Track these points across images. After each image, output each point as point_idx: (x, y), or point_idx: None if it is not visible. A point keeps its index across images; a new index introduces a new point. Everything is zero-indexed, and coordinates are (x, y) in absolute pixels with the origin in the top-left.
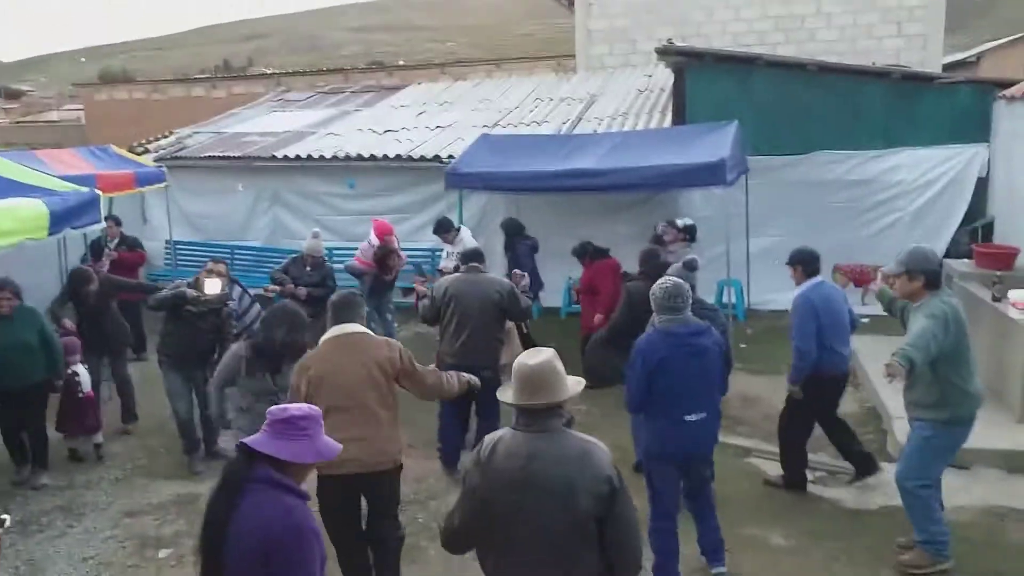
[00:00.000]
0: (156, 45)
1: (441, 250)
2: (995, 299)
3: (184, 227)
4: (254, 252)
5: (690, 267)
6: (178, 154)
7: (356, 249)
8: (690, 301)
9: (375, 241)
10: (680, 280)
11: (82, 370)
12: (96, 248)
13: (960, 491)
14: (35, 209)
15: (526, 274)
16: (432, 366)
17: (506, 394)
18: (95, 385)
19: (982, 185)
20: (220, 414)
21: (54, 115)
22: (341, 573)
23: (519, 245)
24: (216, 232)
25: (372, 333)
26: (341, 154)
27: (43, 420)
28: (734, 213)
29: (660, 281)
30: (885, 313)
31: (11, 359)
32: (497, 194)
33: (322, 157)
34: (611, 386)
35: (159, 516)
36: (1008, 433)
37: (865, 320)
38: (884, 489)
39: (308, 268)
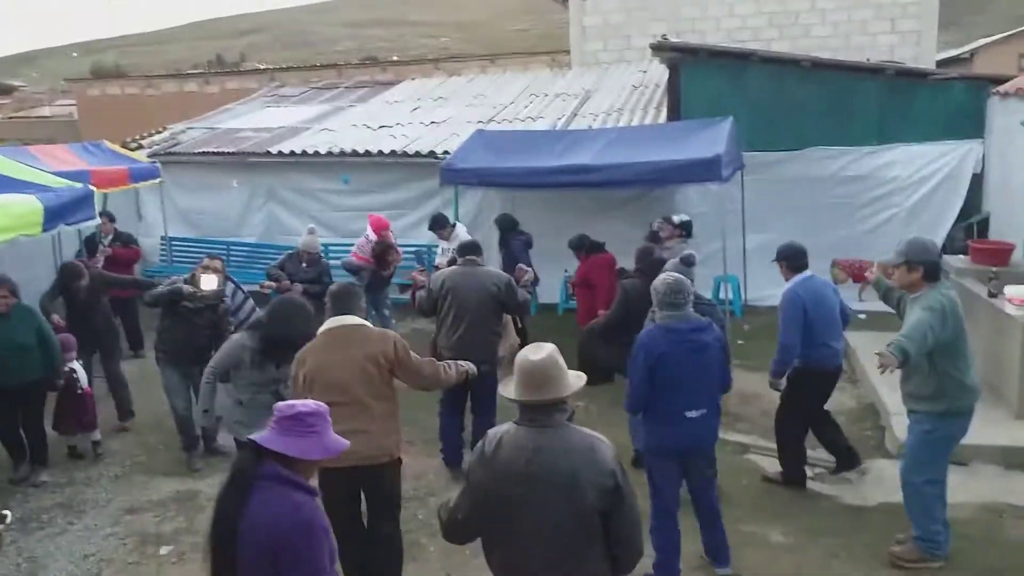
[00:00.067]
0: (149, 40)
1: (436, 246)
2: (991, 295)
3: (179, 223)
4: (249, 248)
5: (688, 263)
6: (172, 150)
7: (352, 245)
8: (691, 297)
9: (372, 236)
10: (681, 276)
11: (79, 367)
12: (91, 244)
13: (958, 487)
14: (29, 205)
15: (530, 269)
16: (429, 359)
17: (508, 389)
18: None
19: (977, 181)
20: (208, 408)
21: (46, 111)
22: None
23: (513, 241)
24: (211, 228)
25: (369, 325)
26: (336, 150)
27: (41, 418)
28: (730, 209)
29: (662, 276)
30: (882, 302)
31: (8, 358)
32: (492, 190)
33: (317, 153)
34: (608, 382)
35: (159, 513)
36: (1006, 429)
37: (862, 316)
38: (883, 485)
39: (304, 264)
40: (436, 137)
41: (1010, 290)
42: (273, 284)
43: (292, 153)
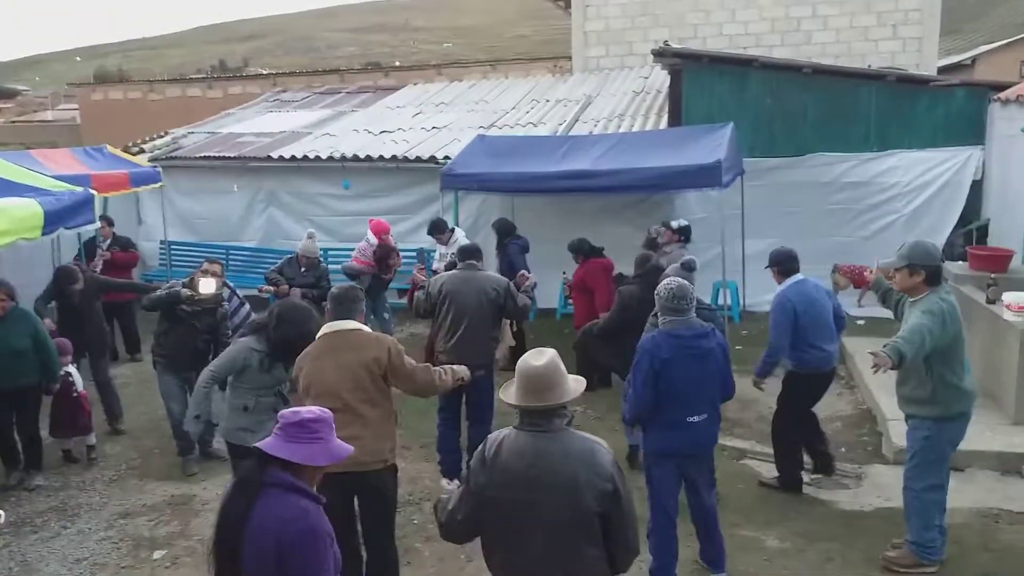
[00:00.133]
0: (152, 45)
1: (433, 250)
2: (989, 301)
3: (179, 228)
4: (249, 253)
5: (688, 268)
6: (173, 154)
7: (351, 250)
8: (694, 303)
9: (373, 240)
10: (685, 282)
11: (75, 370)
12: (90, 248)
13: (954, 493)
14: (29, 209)
15: (531, 275)
16: (424, 364)
17: (509, 394)
18: None
19: (977, 187)
20: (200, 413)
21: (49, 115)
22: None
23: (510, 245)
24: (211, 233)
25: (366, 329)
26: (337, 155)
27: (36, 422)
28: (730, 215)
29: (665, 282)
30: (880, 307)
31: (2, 361)
32: (493, 195)
33: (318, 158)
34: (606, 386)
35: (153, 517)
36: (1002, 435)
37: (860, 322)
38: (880, 491)
39: (303, 269)
40: (437, 142)
41: (1008, 296)
42: (271, 288)
43: (293, 158)
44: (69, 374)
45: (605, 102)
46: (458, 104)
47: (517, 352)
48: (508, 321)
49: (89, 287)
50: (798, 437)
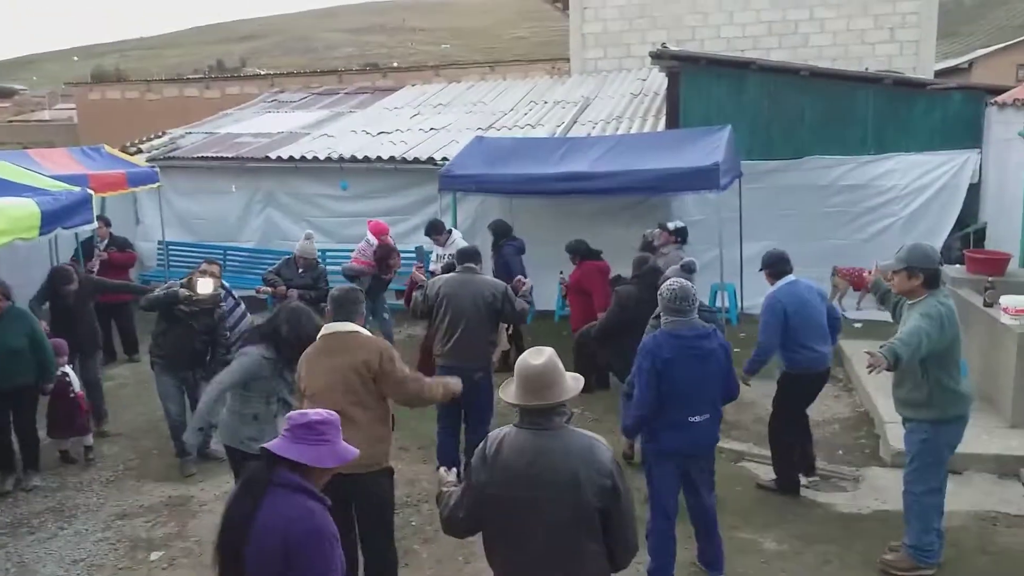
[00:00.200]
0: (149, 45)
1: (431, 251)
2: (987, 304)
3: (177, 228)
4: (247, 253)
5: (688, 269)
6: (171, 154)
7: (349, 251)
8: (696, 304)
9: (373, 241)
10: (687, 283)
11: (71, 371)
12: (87, 248)
13: (951, 495)
14: (26, 209)
15: (528, 280)
16: (416, 374)
17: (508, 393)
18: None
19: (974, 191)
20: (205, 426)
21: (46, 114)
22: None
23: (505, 247)
24: (209, 233)
25: (363, 332)
26: (335, 155)
27: (33, 422)
28: (727, 217)
29: (668, 283)
30: (878, 305)
31: None
32: (491, 197)
33: (316, 158)
34: (604, 388)
35: (151, 518)
36: (999, 438)
37: (858, 325)
38: (877, 493)
39: (300, 270)
40: (435, 143)
41: (1006, 300)
42: (269, 290)
43: (291, 158)
44: (66, 374)
45: (603, 104)
46: (456, 105)
47: (514, 357)
48: (504, 325)
49: (84, 288)
50: (792, 438)
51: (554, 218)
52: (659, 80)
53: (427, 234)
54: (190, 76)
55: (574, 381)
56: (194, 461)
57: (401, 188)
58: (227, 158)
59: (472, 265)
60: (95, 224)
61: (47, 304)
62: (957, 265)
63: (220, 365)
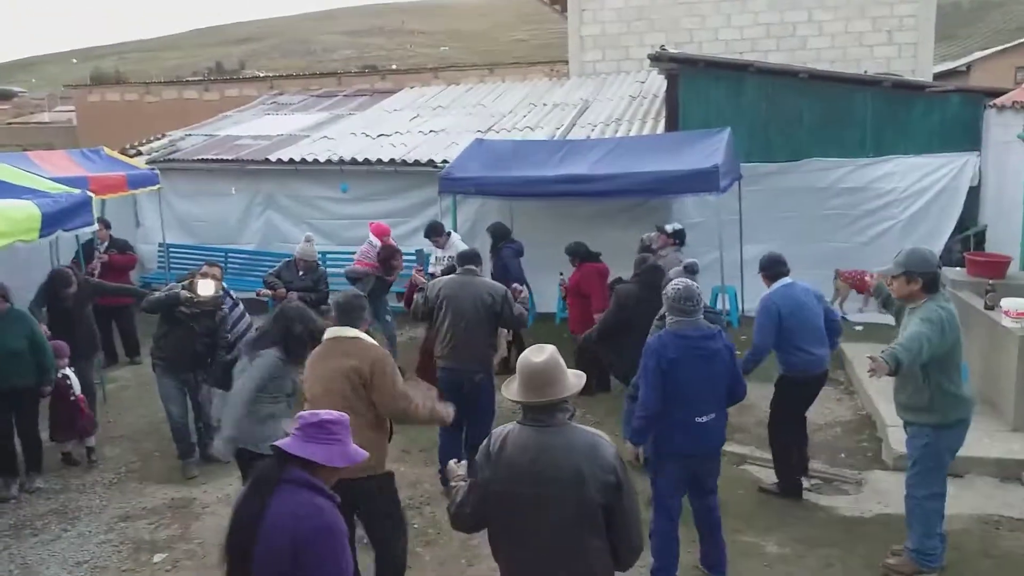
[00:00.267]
0: (148, 47)
1: (430, 254)
2: (987, 307)
3: (177, 230)
4: (247, 255)
5: (691, 271)
6: (171, 156)
7: (349, 253)
8: (701, 305)
9: (376, 242)
10: (692, 283)
11: (72, 373)
12: (88, 250)
13: (953, 499)
14: (26, 211)
15: (524, 288)
16: (405, 392)
17: (511, 391)
18: None
19: (974, 193)
20: (237, 435)
21: (46, 117)
22: None
23: (504, 249)
24: (209, 235)
25: (364, 338)
26: (334, 158)
27: (36, 424)
28: (727, 220)
29: (673, 283)
30: (881, 309)
31: None
32: (491, 199)
33: (315, 161)
34: (605, 391)
35: (153, 520)
36: (1001, 441)
37: (859, 328)
38: (880, 497)
39: (300, 272)
40: (435, 146)
41: (1006, 303)
42: (269, 292)
43: (291, 161)
44: (66, 376)
45: (602, 106)
46: (455, 108)
47: (514, 360)
48: (505, 332)
49: (82, 291)
50: (790, 439)
51: (554, 220)
52: (658, 82)
53: (426, 236)
54: (189, 78)
55: (576, 378)
56: (196, 463)
57: (401, 190)
58: (227, 160)
59: (472, 267)
60: (95, 226)
61: (45, 307)
62: (957, 268)
63: (221, 367)
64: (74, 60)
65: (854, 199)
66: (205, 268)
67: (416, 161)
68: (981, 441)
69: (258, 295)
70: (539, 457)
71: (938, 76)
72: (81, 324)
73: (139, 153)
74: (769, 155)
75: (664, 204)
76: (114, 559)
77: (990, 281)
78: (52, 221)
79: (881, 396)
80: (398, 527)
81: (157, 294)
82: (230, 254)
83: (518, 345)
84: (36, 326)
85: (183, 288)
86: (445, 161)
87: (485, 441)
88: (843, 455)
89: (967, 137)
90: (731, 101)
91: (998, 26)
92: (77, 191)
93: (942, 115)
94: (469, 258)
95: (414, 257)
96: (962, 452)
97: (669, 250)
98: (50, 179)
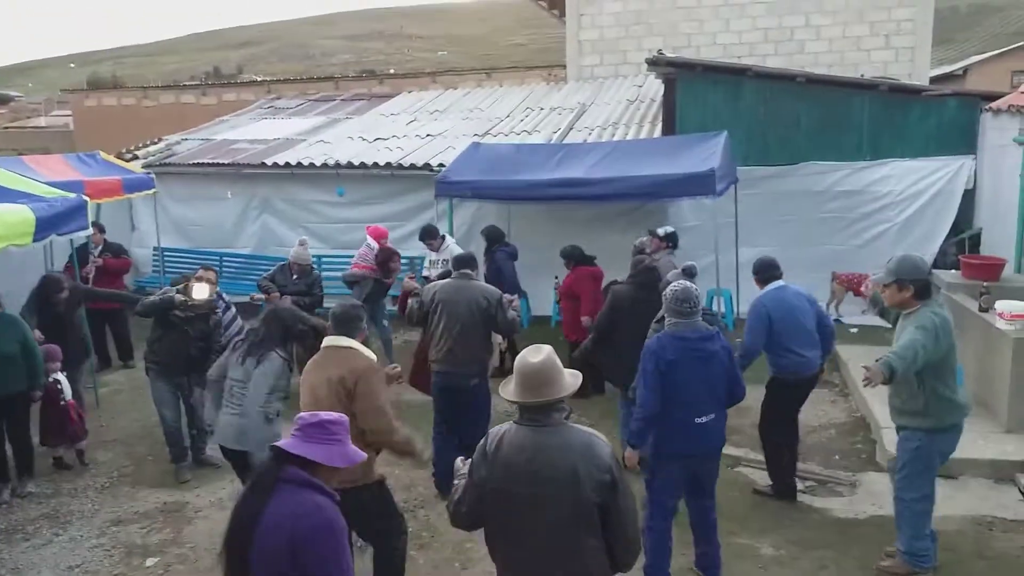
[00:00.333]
0: (146, 52)
1: (423, 257)
2: (982, 309)
3: (173, 234)
4: (243, 259)
5: (689, 273)
6: (167, 161)
7: (345, 257)
8: (700, 307)
9: (374, 245)
10: (690, 285)
11: (63, 378)
12: (82, 254)
13: (947, 500)
14: (20, 215)
15: (515, 297)
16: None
17: (507, 391)
18: None
19: (969, 197)
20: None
21: (42, 121)
22: None
23: (497, 252)
24: (205, 239)
25: (358, 349)
26: (331, 162)
27: (27, 428)
28: (724, 223)
29: (671, 285)
30: (880, 317)
31: None
32: (487, 203)
33: (312, 165)
34: (599, 393)
35: (146, 524)
36: (995, 443)
37: (854, 330)
38: (874, 498)
39: (295, 276)
40: (431, 150)
41: (1001, 305)
42: (263, 296)
43: (287, 165)
44: (58, 381)
45: (599, 110)
46: (453, 112)
47: (509, 364)
48: (501, 342)
49: (73, 296)
50: (781, 440)
51: (550, 224)
52: (655, 87)
53: (421, 239)
54: (187, 83)
55: (572, 378)
56: (189, 467)
57: (397, 194)
58: (223, 164)
59: (468, 271)
60: (90, 231)
61: (36, 313)
62: (953, 270)
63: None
64: (72, 64)
65: (851, 202)
66: (200, 272)
67: (413, 165)
68: (975, 443)
69: (252, 299)
70: (535, 457)
71: (935, 80)
72: (72, 330)
73: (135, 157)
74: (766, 159)
75: (661, 208)
76: (106, 564)
77: (985, 284)
78: (46, 225)
79: (875, 398)
80: (396, 527)
81: (151, 298)
82: (225, 258)
83: (512, 353)
84: (28, 330)
85: (177, 292)
86: (442, 165)
87: (482, 441)
88: (837, 457)
89: (963, 141)
90: (728, 105)
91: (995, 30)
92: (72, 195)
93: (939, 119)
94: (465, 262)
95: (407, 265)
96: (956, 454)
97: (662, 253)
98: (46, 183)
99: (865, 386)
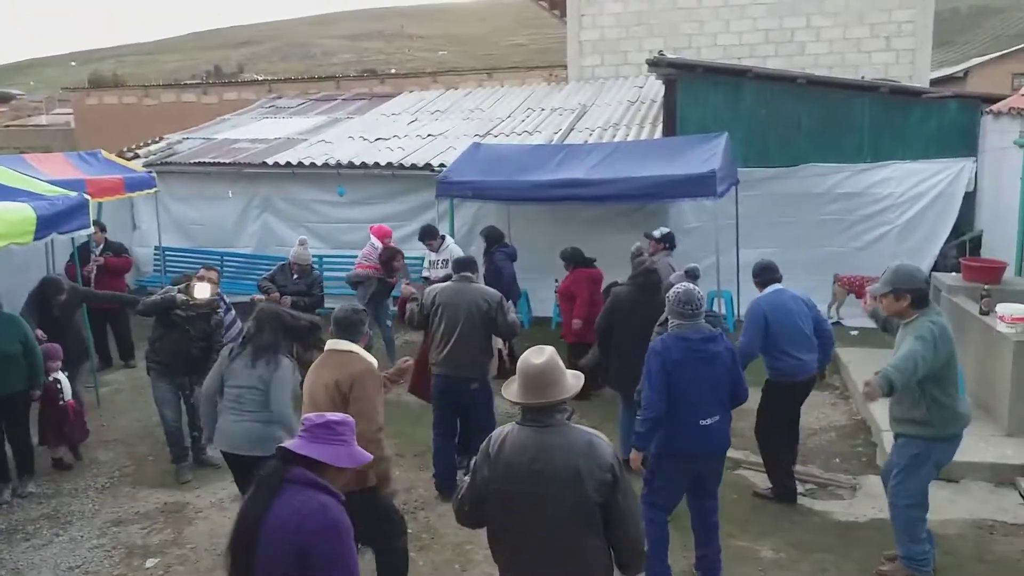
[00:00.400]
0: (147, 50)
1: (422, 258)
2: (983, 312)
3: (174, 233)
4: (244, 259)
5: (692, 275)
6: (168, 160)
7: (345, 256)
8: (703, 308)
9: (378, 244)
10: (693, 287)
11: (63, 377)
12: (83, 253)
13: (947, 504)
14: (21, 213)
15: (510, 303)
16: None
17: (510, 392)
18: None
19: (970, 199)
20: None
21: (43, 119)
22: None
23: (496, 253)
24: (206, 239)
25: (358, 353)
26: (332, 161)
27: (27, 428)
28: (724, 224)
29: (674, 288)
30: (883, 331)
31: None
32: (488, 203)
33: (313, 164)
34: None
35: (146, 525)
36: (996, 446)
37: (854, 332)
38: (874, 502)
39: (295, 276)
40: (432, 150)
41: (1002, 308)
42: (263, 296)
43: (288, 164)
44: (58, 381)
45: (600, 111)
46: (453, 112)
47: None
48: (501, 348)
49: (71, 298)
50: (777, 443)
51: (551, 225)
52: (656, 88)
53: (420, 239)
54: (188, 82)
55: (574, 379)
56: (190, 467)
57: (398, 194)
58: (224, 164)
59: (468, 274)
60: (91, 229)
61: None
62: (953, 273)
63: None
64: (72, 63)
65: (851, 204)
66: (202, 272)
67: (413, 165)
68: (976, 446)
69: (253, 301)
70: (538, 457)
71: (935, 82)
72: (69, 332)
73: (136, 156)
74: (767, 160)
75: (661, 208)
76: (106, 564)
77: (985, 286)
78: (47, 224)
79: (876, 401)
80: (395, 527)
81: (153, 297)
82: (226, 257)
83: (512, 358)
84: (29, 330)
85: (179, 291)
86: (442, 165)
87: (485, 442)
88: (838, 460)
89: (964, 143)
90: (729, 106)
91: (996, 32)
92: (73, 194)
93: (939, 121)
94: (465, 265)
95: (419, 262)
96: (957, 457)
97: (660, 255)
98: (47, 182)
99: (866, 402)
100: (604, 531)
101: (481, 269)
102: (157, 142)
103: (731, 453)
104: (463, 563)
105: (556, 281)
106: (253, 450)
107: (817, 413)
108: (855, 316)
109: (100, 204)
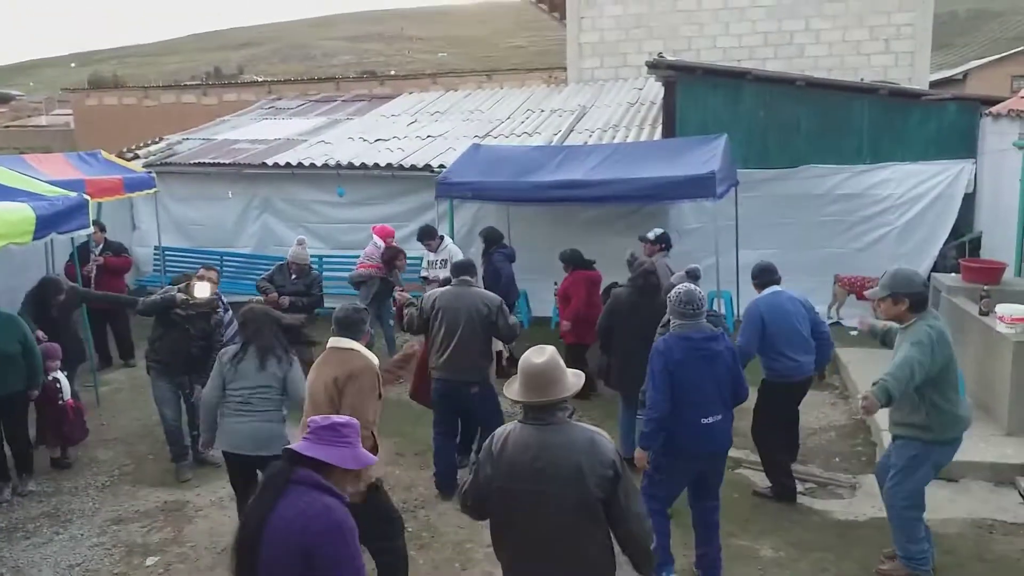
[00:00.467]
0: (147, 51)
1: (421, 258)
2: (982, 313)
3: (173, 234)
4: (243, 259)
5: (693, 276)
6: (168, 160)
7: (345, 257)
8: (704, 308)
9: (381, 244)
10: (694, 287)
11: (62, 377)
12: (83, 253)
13: (947, 503)
14: (21, 213)
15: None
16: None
17: (512, 391)
18: None
19: (969, 200)
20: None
21: (43, 120)
22: None
23: (495, 254)
24: (205, 239)
25: (358, 351)
26: (332, 162)
27: (26, 427)
28: (724, 226)
29: (676, 288)
30: (883, 347)
31: None
32: (487, 204)
33: (312, 165)
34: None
35: (146, 523)
36: (995, 446)
37: (854, 332)
38: (874, 501)
39: (293, 276)
40: (432, 151)
41: (1001, 309)
42: (262, 297)
43: (288, 165)
44: (57, 380)
45: (600, 113)
46: (453, 113)
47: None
48: (501, 352)
49: (68, 299)
50: (774, 442)
51: (550, 226)
52: (655, 89)
53: (419, 240)
54: (188, 83)
55: (575, 378)
56: (190, 466)
57: (398, 195)
58: (224, 164)
59: (467, 278)
60: (91, 229)
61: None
62: (953, 274)
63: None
64: (72, 64)
65: (851, 205)
66: (202, 271)
67: (413, 166)
68: (976, 446)
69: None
70: (540, 455)
71: (934, 84)
72: (67, 332)
73: (136, 156)
74: (766, 162)
75: (661, 210)
76: (106, 562)
77: (985, 287)
78: (46, 224)
79: (874, 415)
80: (395, 527)
81: (152, 296)
82: (226, 257)
83: (512, 361)
84: (28, 330)
85: (179, 291)
86: (442, 166)
87: (487, 440)
88: (837, 459)
89: (963, 145)
90: (728, 108)
91: (995, 35)
92: (73, 194)
93: (938, 123)
94: (464, 268)
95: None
96: (957, 457)
97: (658, 256)
98: (47, 182)
99: (863, 415)
100: (610, 529)
101: (480, 270)
102: (157, 143)
103: (732, 452)
104: (463, 561)
105: (555, 284)
106: (257, 450)
107: (817, 413)
108: (855, 316)
109: (100, 204)
